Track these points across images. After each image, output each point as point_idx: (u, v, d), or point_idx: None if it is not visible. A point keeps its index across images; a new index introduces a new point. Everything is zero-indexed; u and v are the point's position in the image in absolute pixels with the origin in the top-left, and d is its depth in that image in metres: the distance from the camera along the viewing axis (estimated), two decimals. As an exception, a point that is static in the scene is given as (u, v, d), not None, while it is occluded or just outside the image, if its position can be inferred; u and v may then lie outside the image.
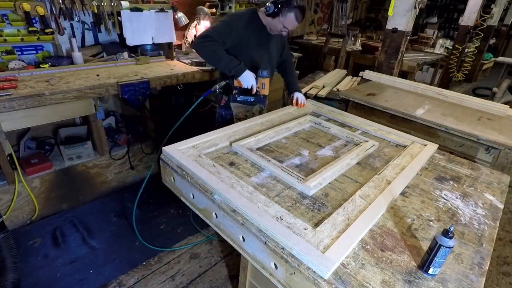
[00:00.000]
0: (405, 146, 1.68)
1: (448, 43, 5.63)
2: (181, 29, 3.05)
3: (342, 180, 1.36)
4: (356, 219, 1.07)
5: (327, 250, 0.92)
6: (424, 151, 1.61)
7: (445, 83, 5.53)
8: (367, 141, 1.67)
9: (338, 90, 2.93)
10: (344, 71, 3.64)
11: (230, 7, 3.80)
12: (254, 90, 1.87)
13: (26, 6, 2.22)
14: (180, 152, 1.39)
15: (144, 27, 2.74)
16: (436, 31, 6.34)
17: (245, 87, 1.86)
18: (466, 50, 5.24)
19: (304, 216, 1.12)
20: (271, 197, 1.20)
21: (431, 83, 5.62)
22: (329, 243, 0.96)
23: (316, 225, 1.08)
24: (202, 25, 3.08)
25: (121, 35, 2.82)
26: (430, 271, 0.91)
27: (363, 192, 1.23)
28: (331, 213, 1.15)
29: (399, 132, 1.82)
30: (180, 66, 2.88)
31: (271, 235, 0.98)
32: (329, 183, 1.32)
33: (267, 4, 1.83)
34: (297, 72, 4.25)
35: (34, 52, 2.51)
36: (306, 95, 2.89)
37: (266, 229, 0.99)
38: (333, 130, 1.81)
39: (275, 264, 0.97)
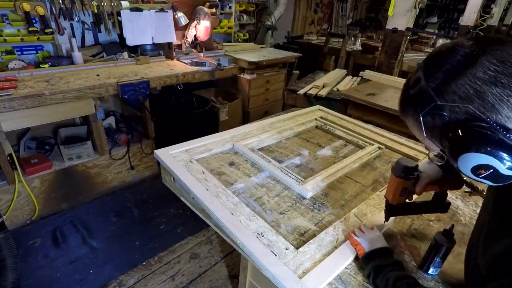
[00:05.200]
0: (417, 160, 1.52)
1: (448, 43, 5.62)
2: (181, 29, 3.05)
3: (342, 180, 1.36)
4: (346, 241, 0.98)
5: (306, 275, 0.84)
6: None
7: (445, 83, 5.52)
8: (372, 144, 1.65)
9: (338, 90, 2.92)
10: (344, 71, 3.64)
11: (230, 7, 3.80)
12: None
13: (26, 6, 2.21)
14: (170, 156, 1.36)
15: (144, 27, 2.74)
16: (436, 31, 6.33)
17: None
18: (466, 50, 5.23)
19: (304, 216, 1.12)
20: (271, 197, 1.20)
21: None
22: (310, 267, 0.88)
23: (316, 225, 1.08)
24: (202, 25, 3.07)
25: (121, 35, 2.82)
26: (430, 271, 0.91)
27: (360, 210, 1.14)
28: (331, 213, 1.15)
29: (413, 145, 1.66)
30: (180, 66, 2.88)
31: (248, 253, 0.92)
32: (329, 182, 1.31)
33: None
34: (297, 72, 4.26)
35: (34, 52, 2.51)
36: (306, 95, 2.89)
37: (244, 246, 0.93)
38: (339, 132, 1.80)
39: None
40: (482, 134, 0.49)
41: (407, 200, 0.94)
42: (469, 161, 0.51)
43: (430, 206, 0.99)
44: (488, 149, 0.49)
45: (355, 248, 0.93)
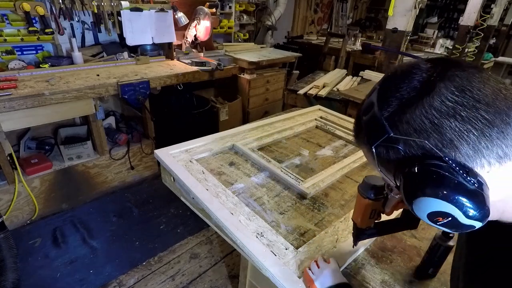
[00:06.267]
0: None
1: (448, 43, 5.62)
2: (181, 29, 3.05)
3: (342, 180, 1.36)
4: (345, 241, 0.98)
5: None
6: None
7: (445, 83, 5.50)
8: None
9: (338, 90, 2.92)
10: (344, 71, 3.64)
11: (230, 7, 3.80)
12: None
13: (26, 6, 2.21)
14: (170, 156, 1.36)
15: (144, 27, 2.74)
16: (436, 31, 6.32)
17: None
18: (466, 50, 5.24)
19: (304, 216, 1.12)
20: (271, 197, 1.20)
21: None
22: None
23: (316, 225, 1.08)
24: (202, 25, 3.07)
25: (121, 35, 2.82)
26: (430, 272, 0.91)
27: None
28: (331, 213, 1.15)
29: None
30: (180, 66, 2.88)
31: (248, 253, 0.91)
32: (329, 182, 1.31)
33: None
34: (297, 72, 4.26)
35: (34, 52, 2.51)
36: (306, 95, 2.89)
37: (243, 246, 0.93)
38: (339, 132, 1.80)
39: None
40: (440, 176, 0.42)
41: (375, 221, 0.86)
42: (424, 206, 0.44)
43: (400, 224, 0.89)
44: (446, 194, 0.41)
45: (308, 286, 0.83)
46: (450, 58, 0.48)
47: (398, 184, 0.48)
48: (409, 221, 0.88)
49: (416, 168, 0.44)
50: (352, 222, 0.86)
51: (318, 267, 0.85)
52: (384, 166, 0.50)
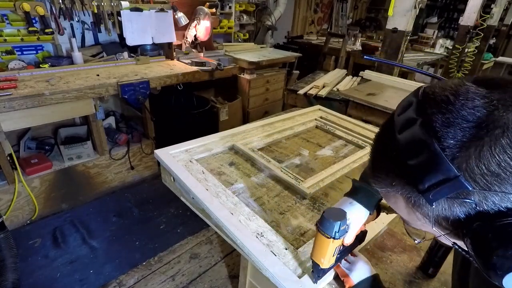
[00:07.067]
0: None
1: (448, 43, 5.62)
2: (181, 29, 3.05)
3: (342, 180, 1.36)
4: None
5: (305, 275, 0.84)
6: None
7: (445, 83, 5.49)
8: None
9: (338, 90, 2.92)
10: (344, 71, 3.64)
11: (230, 7, 3.80)
12: None
13: (26, 6, 2.22)
14: (170, 156, 1.36)
15: (144, 27, 2.74)
16: (436, 31, 6.33)
17: None
18: (466, 50, 5.24)
19: (304, 216, 1.12)
20: (271, 197, 1.20)
21: (431, 83, 5.59)
22: (309, 266, 0.86)
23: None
24: (202, 25, 3.07)
25: (121, 35, 2.82)
26: (430, 271, 0.91)
27: None
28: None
29: None
30: (180, 66, 2.88)
31: (247, 253, 0.91)
32: (329, 182, 1.31)
33: None
34: (297, 72, 4.26)
35: (34, 52, 2.51)
36: (306, 95, 2.88)
37: (243, 246, 0.92)
38: (339, 132, 1.80)
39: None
40: None
41: None
42: None
43: (351, 246, 0.82)
44: None
45: (343, 280, 0.82)
46: (501, 78, 0.38)
47: (465, 244, 0.36)
48: (359, 240, 0.85)
49: (501, 230, 0.33)
50: (312, 261, 0.76)
51: (347, 261, 0.85)
52: (439, 224, 0.39)
